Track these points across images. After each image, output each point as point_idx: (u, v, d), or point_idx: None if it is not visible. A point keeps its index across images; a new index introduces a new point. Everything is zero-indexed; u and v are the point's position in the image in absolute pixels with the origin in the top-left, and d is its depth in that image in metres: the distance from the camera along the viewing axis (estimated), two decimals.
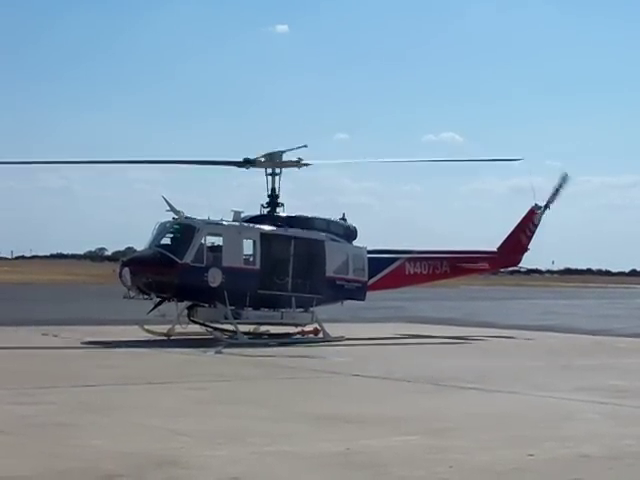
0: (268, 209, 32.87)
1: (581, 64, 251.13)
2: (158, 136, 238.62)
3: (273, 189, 32.86)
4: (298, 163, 32.80)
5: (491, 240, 39.65)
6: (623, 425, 14.71)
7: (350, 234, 34.35)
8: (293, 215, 33.04)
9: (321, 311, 33.21)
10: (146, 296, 29.99)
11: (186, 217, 30.81)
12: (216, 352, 26.17)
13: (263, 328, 32.62)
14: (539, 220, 38.85)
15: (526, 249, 39.17)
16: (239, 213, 31.67)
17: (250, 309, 30.93)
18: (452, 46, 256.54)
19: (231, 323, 30.51)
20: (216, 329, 30.75)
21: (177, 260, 29.60)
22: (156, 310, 30.43)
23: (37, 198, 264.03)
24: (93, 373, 20.60)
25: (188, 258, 29.73)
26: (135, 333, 30.29)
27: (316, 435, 13.22)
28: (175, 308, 30.70)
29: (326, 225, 33.53)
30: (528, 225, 38.90)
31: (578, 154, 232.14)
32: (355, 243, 34.44)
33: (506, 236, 38.88)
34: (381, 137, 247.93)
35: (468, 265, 38.27)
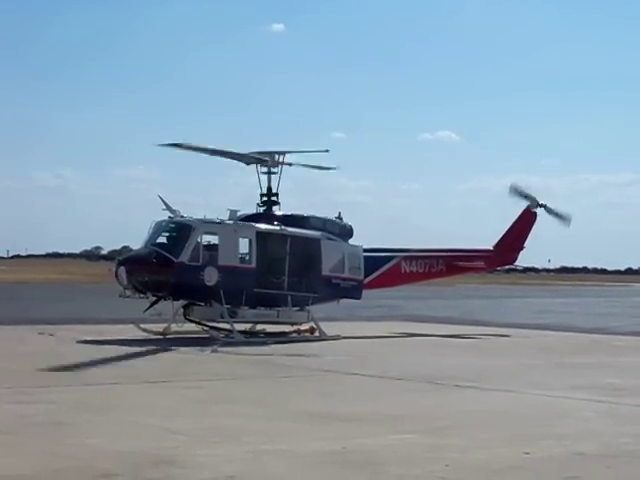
0: (264, 208, 32.89)
1: (579, 63, 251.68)
2: (155, 134, 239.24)
3: (269, 188, 32.89)
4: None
5: (487, 238, 39.74)
6: (620, 423, 14.71)
7: (346, 233, 34.37)
8: (289, 214, 33.07)
9: (317, 310, 33.21)
10: (142, 295, 29.97)
11: (182, 216, 30.82)
12: (212, 351, 26.16)
13: (259, 327, 32.64)
14: (535, 217, 38.85)
15: (522, 247, 39.21)
16: (235, 212, 31.65)
17: (246, 308, 30.93)
18: (448, 45, 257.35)
19: (227, 322, 30.49)
20: (212, 328, 30.75)
21: (173, 259, 29.59)
22: (152, 309, 30.38)
23: (33, 197, 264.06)
24: (89, 372, 20.58)
25: (184, 257, 29.71)
26: (131, 332, 30.26)
27: (312, 434, 13.21)
28: (171, 307, 30.69)
29: (322, 224, 33.54)
30: (523, 223, 38.92)
31: (576, 152, 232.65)
32: (351, 242, 34.46)
33: (502, 234, 38.92)
34: (377, 136, 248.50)
35: (464, 263, 38.28)
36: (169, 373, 20.93)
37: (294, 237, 31.99)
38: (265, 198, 32.97)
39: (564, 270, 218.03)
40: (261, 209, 32.93)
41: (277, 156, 32.74)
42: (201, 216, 31.19)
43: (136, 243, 32.22)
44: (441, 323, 42.01)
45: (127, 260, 30.59)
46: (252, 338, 31.00)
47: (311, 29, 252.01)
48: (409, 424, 14.16)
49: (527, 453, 11.98)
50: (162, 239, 30.50)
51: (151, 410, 15.24)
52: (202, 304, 30.63)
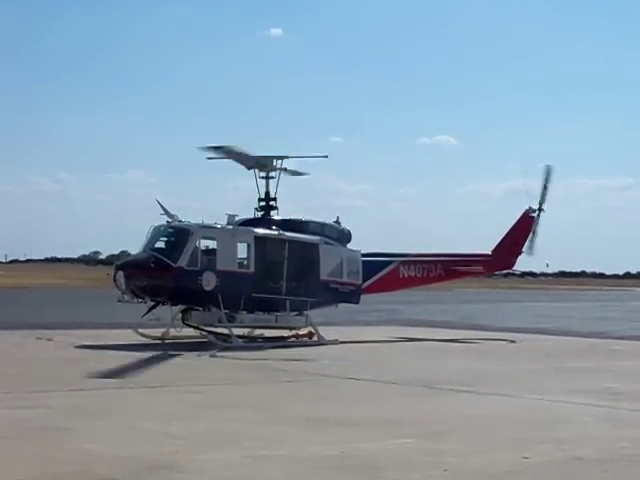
0: (262, 212, 32.89)
1: (576, 66, 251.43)
2: (154, 136, 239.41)
3: (267, 193, 32.89)
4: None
5: (486, 243, 39.74)
6: (618, 428, 14.70)
7: (344, 237, 34.36)
8: (287, 218, 33.05)
9: (315, 314, 33.20)
10: (140, 300, 29.98)
11: (180, 221, 30.82)
12: (210, 356, 26.17)
13: (257, 331, 32.63)
14: (536, 223, 38.82)
15: (520, 252, 39.20)
16: (233, 216, 31.65)
17: (244, 312, 30.93)
18: (446, 49, 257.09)
19: (225, 327, 30.49)
20: (210, 333, 30.75)
21: (171, 264, 29.58)
22: (150, 314, 30.38)
23: (32, 202, 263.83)
24: (88, 377, 20.56)
25: (182, 262, 29.71)
26: (129, 337, 30.29)
27: (310, 438, 13.21)
28: (169, 312, 30.68)
29: (320, 228, 33.53)
30: (522, 228, 38.93)
31: (573, 156, 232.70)
32: (349, 246, 34.45)
33: (500, 239, 38.93)
34: (375, 140, 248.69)
35: (462, 268, 38.26)
36: (167, 378, 20.91)
37: (292, 242, 31.99)
38: (263, 203, 32.95)
39: (562, 274, 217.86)
40: (259, 214, 32.92)
41: (275, 161, 32.75)
42: (199, 221, 31.21)
43: (134, 248, 32.25)
44: (439, 327, 42.03)
45: (125, 265, 30.60)
46: (250, 343, 31.02)
47: (309, 34, 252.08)
48: (407, 429, 14.16)
49: (525, 458, 11.98)
50: (160, 244, 30.50)
51: (149, 415, 15.24)
52: (200, 309, 30.65)
